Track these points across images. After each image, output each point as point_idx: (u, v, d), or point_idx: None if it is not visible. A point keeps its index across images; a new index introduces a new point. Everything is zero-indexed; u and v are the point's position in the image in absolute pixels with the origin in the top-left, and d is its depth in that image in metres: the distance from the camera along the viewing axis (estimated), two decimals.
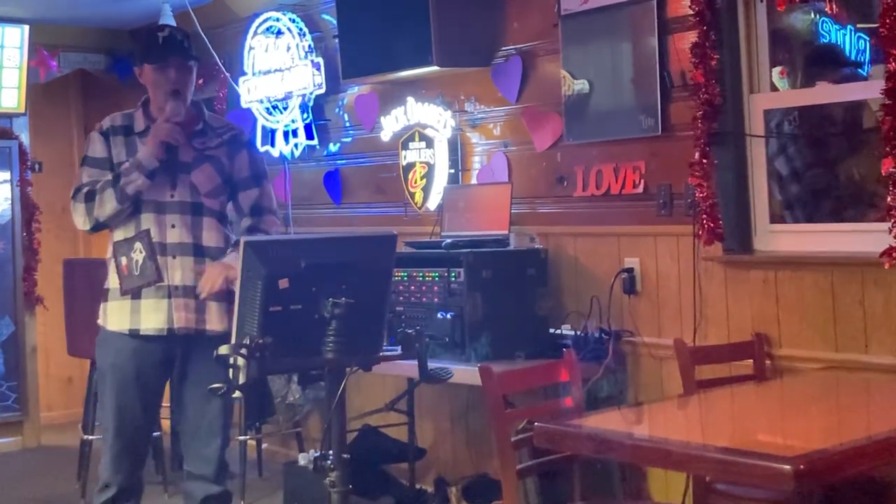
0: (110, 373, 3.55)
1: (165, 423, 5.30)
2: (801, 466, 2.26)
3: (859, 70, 4.41)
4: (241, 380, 2.58)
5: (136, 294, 3.51)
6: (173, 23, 5.87)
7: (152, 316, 3.50)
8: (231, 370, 2.60)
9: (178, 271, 3.51)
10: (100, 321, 3.62)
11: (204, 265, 3.54)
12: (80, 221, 3.56)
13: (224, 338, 3.52)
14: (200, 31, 5.78)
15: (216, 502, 3.60)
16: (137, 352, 3.52)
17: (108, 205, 3.49)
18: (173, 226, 3.53)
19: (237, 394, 2.62)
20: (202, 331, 3.54)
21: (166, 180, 3.53)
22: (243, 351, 2.55)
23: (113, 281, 3.56)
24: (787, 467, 2.26)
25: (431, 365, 2.93)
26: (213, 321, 3.55)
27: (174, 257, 3.52)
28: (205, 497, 3.58)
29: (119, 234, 3.56)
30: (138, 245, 3.51)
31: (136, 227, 3.54)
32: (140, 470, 3.64)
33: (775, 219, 3.84)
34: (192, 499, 3.62)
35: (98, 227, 3.56)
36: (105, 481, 3.55)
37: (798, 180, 4.06)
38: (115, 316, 3.54)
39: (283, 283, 2.66)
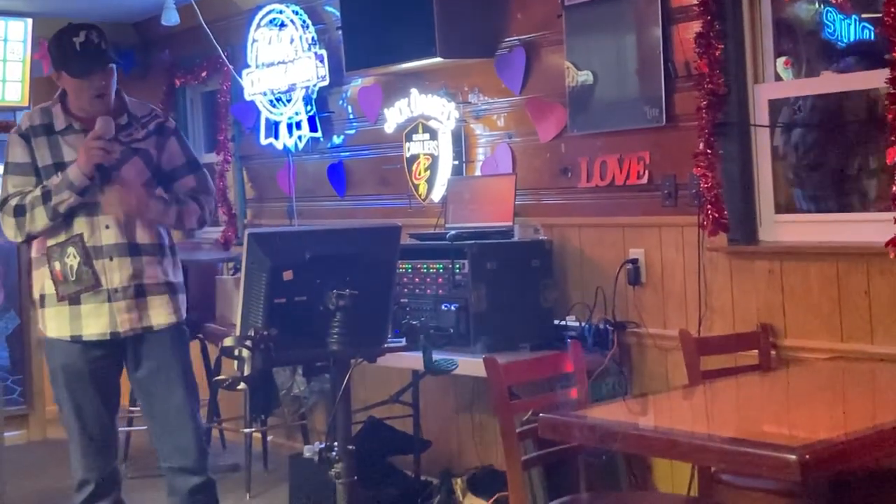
0: (62, 374, 3.47)
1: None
2: (807, 456, 2.26)
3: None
4: (247, 371, 2.58)
5: (74, 300, 3.43)
6: (176, 17, 5.86)
7: (94, 322, 3.43)
8: (236, 362, 2.60)
9: (116, 273, 3.42)
10: (39, 327, 3.55)
11: (141, 263, 3.45)
12: (11, 234, 3.46)
13: (171, 329, 3.52)
14: (204, 23, 5.78)
15: (202, 492, 3.53)
16: (84, 352, 3.46)
17: (39, 221, 3.39)
18: (107, 226, 3.43)
19: (242, 386, 2.62)
20: (148, 327, 3.48)
21: (95, 180, 3.39)
22: (248, 343, 2.56)
23: (48, 287, 3.46)
24: (793, 457, 2.25)
25: (436, 356, 2.93)
26: (158, 316, 3.48)
27: (111, 259, 3.43)
28: (190, 489, 3.51)
29: (50, 240, 3.45)
30: (71, 250, 3.41)
31: (67, 231, 3.42)
32: (115, 461, 3.59)
33: (780, 209, 3.83)
34: (177, 493, 3.54)
35: (30, 238, 3.47)
36: (81, 479, 3.50)
37: (804, 170, 4.06)
38: (55, 322, 3.46)
39: (288, 275, 2.66)
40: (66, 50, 3.41)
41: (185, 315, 3.60)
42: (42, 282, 3.49)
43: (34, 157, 3.45)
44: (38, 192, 3.40)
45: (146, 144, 3.53)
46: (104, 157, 3.35)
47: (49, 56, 3.53)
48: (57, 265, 3.43)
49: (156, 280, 3.50)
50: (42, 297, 3.49)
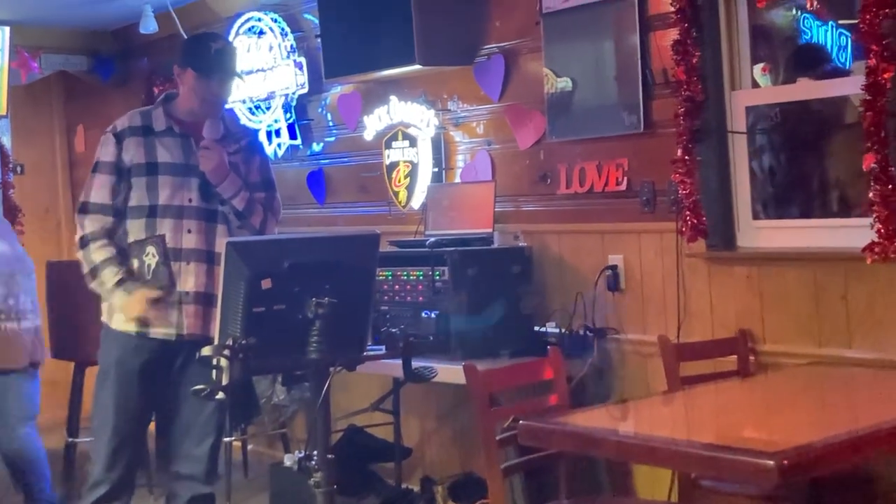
0: (115, 368, 3.53)
1: (151, 425, 5.28)
2: (785, 462, 2.27)
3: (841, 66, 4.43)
4: (225, 381, 2.57)
5: None
6: (154, 25, 5.86)
7: (162, 320, 3.50)
8: (214, 371, 2.59)
9: (190, 277, 3.51)
10: (104, 318, 3.60)
11: (214, 272, 3.50)
12: (83, 267, 3.55)
13: None
14: (182, 31, 5.77)
15: (202, 502, 3.59)
16: (143, 350, 3.52)
17: (104, 286, 3.50)
18: (189, 231, 3.53)
19: (220, 395, 2.61)
20: (208, 337, 3.48)
21: (188, 185, 3.54)
22: (226, 352, 2.55)
23: None
24: (771, 462, 2.26)
25: (416, 364, 2.93)
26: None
27: (188, 263, 3.52)
28: (191, 497, 3.57)
29: (132, 235, 3.54)
30: (151, 249, 3.49)
31: (150, 230, 3.52)
32: (136, 469, 3.64)
33: (758, 215, 3.85)
34: (177, 498, 3.60)
35: None
36: (96, 479, 3.53)
37: (781, 176, 4.08)
38: (123, 315, 3.53)
39: (266, 284, 2.66)
40: (202, 50, 3.59)
41: None
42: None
43: (120, 158, 3.55)
44: (113, 276, 3.48)
45: (237, 159, 3.65)
46: (210, 162, 3.51)
47: (181, 53, 3.70)
48: (135, 262, 3.50)
49: None
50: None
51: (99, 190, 3.56)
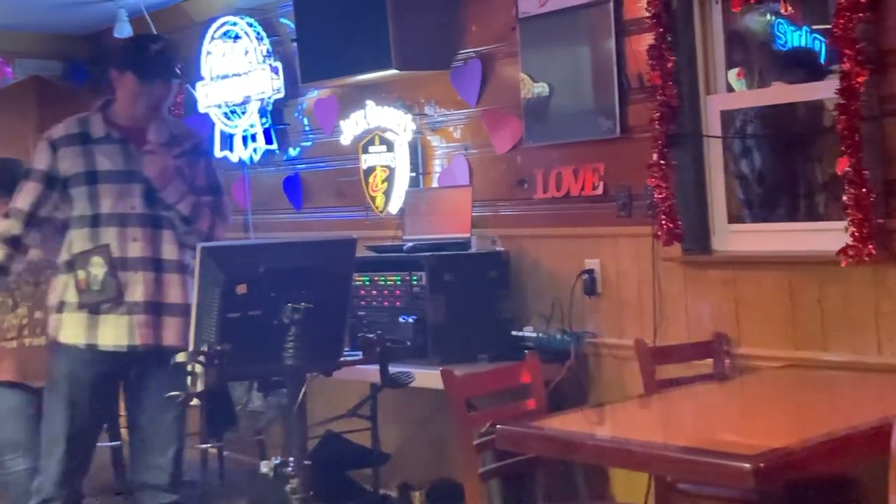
0: (65, 382, 3.48)
1: (125, 433, 5.24)
2: (761, 465, 2.27)
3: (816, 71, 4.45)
4: (199, 387, 2.56)
5: (94, 309, 3.44)
6: (129, 30, 5.82)
7: (111, 332, 3.44)
8: (189, 378, 2.57)
9: (138, 286, 3.45)
10: (51, 332, 3.54)
11: (163, 280, 3.47)
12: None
13: (179, 351, 3.52)
14: None
15: None
16: (93, 363, 3.47)
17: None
18: (135, 239, 3.46)
19: (195, 402, 2.59)
20: (160, 346, 3.48)
21: (131, 191, 3.47)
22: (201, 358, 2.53)
23: (70, 294, 3.46)
24: (747, 466, 2.27)
25: (393, 369, 2.92)
26: (171, 336, 3.48)
27: (135, 272, 3.45)
28: None
29: (76, 246, 3.47)
30: (97, 259, 3.42)
31: (94, 240, 3.45)
32: (83, 480, 3.57)
33: (734, 219, 3.86)
34: None
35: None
36: (48, 495, 3.46)
37: (756, 180, 4.09)
38: (71, 329, 3.47)
39: (242, 289, 2.65)
40: (141, 52, 3.51)
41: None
42: (64, 289, 3.48)
43: (54, 167, 3.47)
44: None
45: (181, 162, 3.57)
46: (154, 166, 3.43)
47: (115, 56, 3.61)
48: (81, 273, 3.43)
49: (175, 300, 3.49)
50: (61, 303, 3.49)
51: (23, 196, 3.49)
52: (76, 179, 3.47)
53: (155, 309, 3.46)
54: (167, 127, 3.61)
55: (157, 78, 3.48)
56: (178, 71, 3.61)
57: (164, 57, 3.52)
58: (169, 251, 3.51)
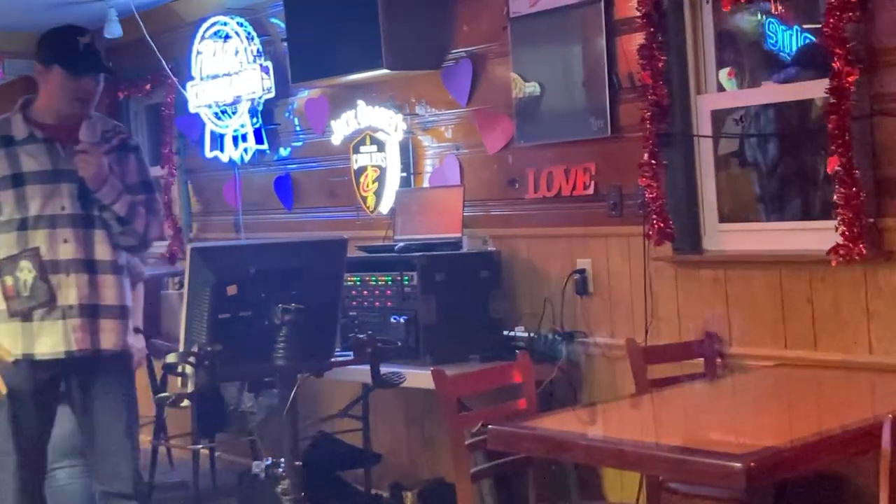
0: (7, 398, 3.35)
1: None
2: (752, 464, 2.27)
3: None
4: (190, 388, 2.55)
5: (26, 316, 3.31)
6: (119, 30, 5.80)
7: (47, 339, 3.31)
8: (179, 378, 2.57)
9: (72, 289, 3.32)
10: None
11: (97, 281, 3.36)
12: None
13: (120, 354, 3.44)
14: (147, 36, 5.72)
15: None
16: (33, 375, 3.36)
17: None
18: (66, 241, 3.33)
19: (186, 403, 2.59)
20: (98, 350, 3.38)
21: (59, 192, 3.34)
22: (191, 359, 2.53)
23: None
24: (738, 465, 2.27)
25: (384, 369, 2.92)
26: (108, 340, 3.39)
27: (67, 275, 3.32)
28: None
29: (3, 251, 3.33)
30: (26, 264, 3.28)
31: (22, 243, 3.31)
32: (43, 484, 3.49)
33: (724, 218, 3.87)
34: None
35: None
36: None
37: (748, 179, 4.10)
38: (4, 340, 3.34)
39: (232, 290, 2.64)
40: (68, 46, 3.35)
41: (130, 340, 3.54)
42: None
43: None
44: None
45: (109, 159, 3.43)
46: (90, 166, 3.30)
47: (40, 50, 3.44)
48: (9, 279, 3.30)
49: (111, 302, 3.41)
50: None
51: None
52: (2, 183, 3.34)
53: (90, 312, 3.34)
54: (97, 124, 3.48)
55: (86, 72, 3.34)
56: (108, 65, 3.46)
57: (92, 50, 3.37)
58: (102, 252, 3.38)
